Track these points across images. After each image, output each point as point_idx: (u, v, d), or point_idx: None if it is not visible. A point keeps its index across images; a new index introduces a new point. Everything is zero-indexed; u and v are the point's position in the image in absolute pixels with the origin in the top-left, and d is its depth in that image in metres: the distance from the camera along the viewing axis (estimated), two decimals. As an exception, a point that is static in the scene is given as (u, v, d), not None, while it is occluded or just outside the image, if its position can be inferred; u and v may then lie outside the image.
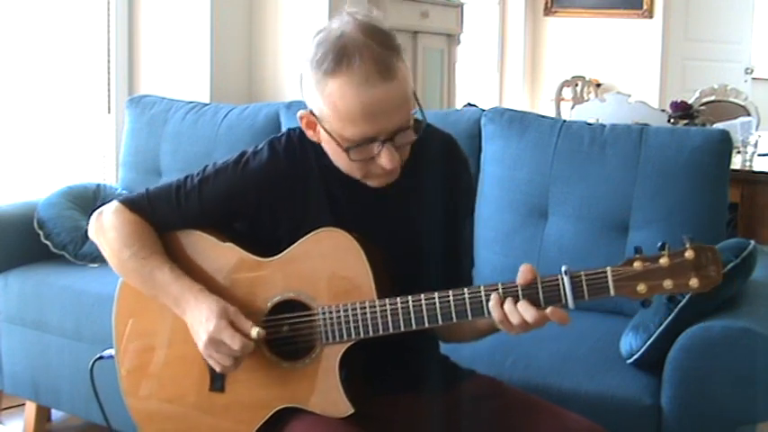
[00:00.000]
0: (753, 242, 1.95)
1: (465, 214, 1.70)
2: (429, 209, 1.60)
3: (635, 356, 1.94)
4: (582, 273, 1.37)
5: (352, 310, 1.47)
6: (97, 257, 2.71)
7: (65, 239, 2.80)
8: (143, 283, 1.59)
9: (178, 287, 1.54)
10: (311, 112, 1.47)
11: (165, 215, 1.61)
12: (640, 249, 1.37)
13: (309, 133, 1.51)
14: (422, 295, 1.44)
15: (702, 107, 4.61)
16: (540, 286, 1.39)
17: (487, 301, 1.41)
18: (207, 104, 3.16)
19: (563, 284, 1.37)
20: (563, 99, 5.96)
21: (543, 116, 2.62)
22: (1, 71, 3.26)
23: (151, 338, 1.63)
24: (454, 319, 1.43)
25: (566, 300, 1.37)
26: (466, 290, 1.42)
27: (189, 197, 1.60)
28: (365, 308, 1.46)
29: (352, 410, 1.48)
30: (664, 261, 1.34)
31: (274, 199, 1.57)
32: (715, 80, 5.44)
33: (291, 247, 1.53)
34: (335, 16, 1.45)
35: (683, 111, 4.06)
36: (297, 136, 1.58)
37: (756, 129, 4.16)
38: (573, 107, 5.27)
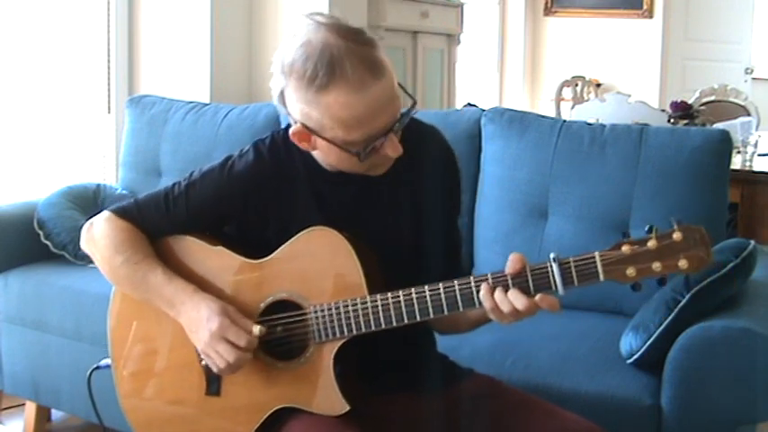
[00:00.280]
0: (753, 242, 1.95)
1: (454, 204, 1.70)
2: (418, 200, 1.60)
3: (635, 356, 1.94)
4: (570, 259, 1.37)
5: (344, 307, 1.47)
6: (97, 257, 2.71)
7: (65, 239, 2.80)
8: (136, 288, 1.59)
9: (171, 289, 1.55)
10: (304, 126, 1.46)
11: (155, 221, 1.62)
12: (628, 233, 1.37)
13: (303, 145, 1.50)
14: (412, 289, 1.44)
15: (702, 107, 4.61)
16: (529, 274, 1.39)
17: (478, 291, 1.41)
18: (207, 104, 3.16)
19: (552, 271, 1.37)
20: (563, 99, 5.96)
21: (543, 116, 2.62)
22: (1, 71, 3.26)
23: (146, 345, 1.64)
24: (446, 312, 1.43)
25: (556, 287, 1.37)
26: (456, 281, 1.43)
27: (177, 203, 1.61)
28: (356, 305, 1.47)
29: (347, 408, 1.48)
30: (652, 244, 1.34)
31: (261, 200, 1.58)
32: (715, 80, 5.44)
33: (281, 247, 1.53)
34: (300, 24, 1.43)
35: (683, 111, 4.06)
36: (281, 137, 1.58)
37: (756, 129, 4.16)
38: (573, 107, 5.27)
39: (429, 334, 1.69)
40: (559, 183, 2.40)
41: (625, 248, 1.35)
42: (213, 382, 1.58)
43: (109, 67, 3.60)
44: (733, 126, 3.47)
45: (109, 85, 3.61)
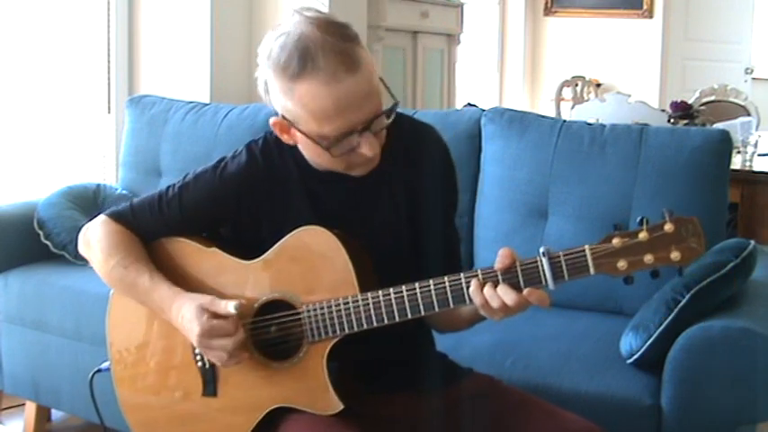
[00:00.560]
0: (753, 242, 1.95)
1: (451, 203, 1.69)
2: (414, 198, 1.60)
3: (635, 356, 1.93)
4: (560, 253, 1.36)
5: (336, 306, 1.47)
6: (97, 257, 2.71)
7: (65, 239, 2.80)
8: (128, 291, 1.61)
9: (158, 295, 1.56)
10: (283, 117, 1.47)
11: (149, 224, 1.62)
12: (621, 226, 1.36)
13: (285, 137, 1.52)
14: (403, 286, 1.44)
15: (702, 107, 4.61)
16: (519, 269, 1.38)
17: (468, 287, 1.40)
18: (207, 104, 3.16)
19: (542, 266, 1.36)
20: (563, 99, 5.96)
21: (543, 116, 2.62)
22: (1, 71, 3.26)
23: (143, 346, 1.64)
24: (436, 308, 1.43)
25: (546, 281, 1.36)
26: (446, 278, 1.42)
27: (171, 205, 1.61)
28: (348, 303, 1.47)
29: (341, 407, 1.48)
30: (643, 236, 1.32)
31: (255, 202, 1.58)
32: (715, 80, 5.44)
33: (273, 247, 1.54)
34: (288, 17, 1.45)
35: (683, 111, 4.06)
36: (274, 138, 1.59)
37: (756, 129, 4.16)
38: (573, 107, 5.27)
39: (427, 333, 1.69)
40: (559, 183, 2.40)
41: (616, 241, 1.33)
42: (210, 383, 1.58)
43: (109, 67, 3.60)
44: (733, 126, 3.47)
45: (109, 85, 3.61)
